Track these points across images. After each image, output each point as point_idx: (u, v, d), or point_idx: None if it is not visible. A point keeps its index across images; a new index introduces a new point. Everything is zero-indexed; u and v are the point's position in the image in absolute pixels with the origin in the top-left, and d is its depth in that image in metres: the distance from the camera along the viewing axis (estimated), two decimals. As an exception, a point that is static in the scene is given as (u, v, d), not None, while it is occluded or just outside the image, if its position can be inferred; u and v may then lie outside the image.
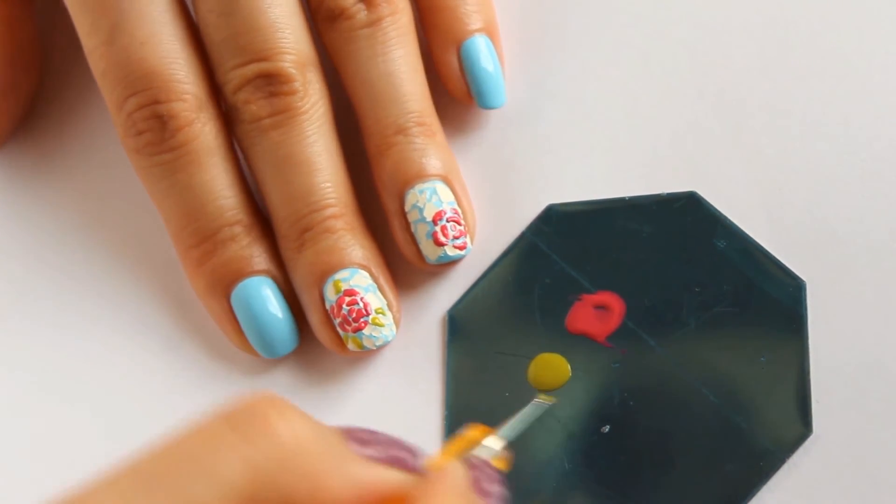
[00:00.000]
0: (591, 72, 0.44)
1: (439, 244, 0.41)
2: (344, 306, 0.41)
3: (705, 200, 0.41)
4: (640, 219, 0.41)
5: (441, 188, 0.42)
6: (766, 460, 0.38)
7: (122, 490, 0.27)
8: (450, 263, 0.42)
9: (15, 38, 0.46)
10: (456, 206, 0.42)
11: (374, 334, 0.41)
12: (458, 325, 0.42)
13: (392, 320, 0.42)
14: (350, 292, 0.41)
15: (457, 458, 0.33)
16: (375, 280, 0.42)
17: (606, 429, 0.39)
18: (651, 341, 0.40)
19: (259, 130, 0.42)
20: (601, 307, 0.41)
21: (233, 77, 0.42)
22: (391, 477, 0.30)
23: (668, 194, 0.42)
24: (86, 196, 0.46)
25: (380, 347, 0.41)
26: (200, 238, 0.42)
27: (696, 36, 0.43)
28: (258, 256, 0.42)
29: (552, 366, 0.41)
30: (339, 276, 0.41)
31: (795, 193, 0.41)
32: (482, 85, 0.43)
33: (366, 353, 0.42)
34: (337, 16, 0.42)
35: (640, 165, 0.42)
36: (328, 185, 0.42)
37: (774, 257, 0.40)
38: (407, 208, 0.42)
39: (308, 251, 0.41)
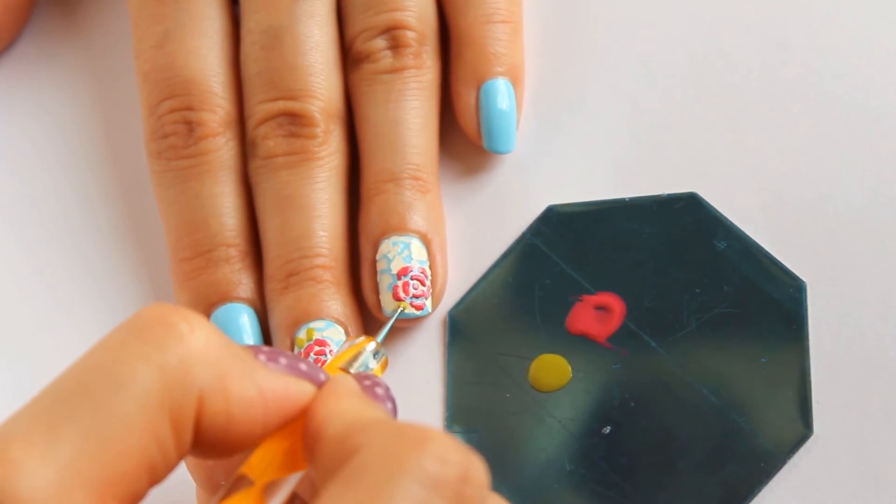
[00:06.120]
0: (591, 73, 0.44)
1: (397, 298, 0.41)
2: (312, 355, 0.40)
3: (706, 201, 0.41)
4: (641, 219, 0.41)
5: (416, 245, 0.41)
6: (766, 461, 0.38)
7: (41, 412, 0.27)
8: (410, 320, 0.41)
9: None
10: (426, 267, 0.41)
11: None
12: (459, 326, 0.42)
13: None
14: (321, 342, 0.40)
15: (344, 370, 0.35)
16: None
17: (607, 430, 0.39)
18: (652, 342, 0.40)
19: (271, 168, 0.42)
20: (602, 308, 0.41)
21: (258, 111, 0.42)
22: (294, 384, 0.31)
23: (669, 195, 0.42)
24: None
25: None
26: (195, 252, 0.42)
27: (695, 37, 0.43)
28: (245, 284, 0.42)
29: (553, 367, 0.40)
30: (315, 325, 0.40)
31: (795, 194, 0.41)
32: (493, 128, 0.42)
33: None
34: (363, 58, 0.42)
35: (641, 166, 0.42)
36: (324, 234, 0.41)
37: (775, 258, 0.40)
38: (377, 257, 0.41)
39: (290, 295, 0.41)
